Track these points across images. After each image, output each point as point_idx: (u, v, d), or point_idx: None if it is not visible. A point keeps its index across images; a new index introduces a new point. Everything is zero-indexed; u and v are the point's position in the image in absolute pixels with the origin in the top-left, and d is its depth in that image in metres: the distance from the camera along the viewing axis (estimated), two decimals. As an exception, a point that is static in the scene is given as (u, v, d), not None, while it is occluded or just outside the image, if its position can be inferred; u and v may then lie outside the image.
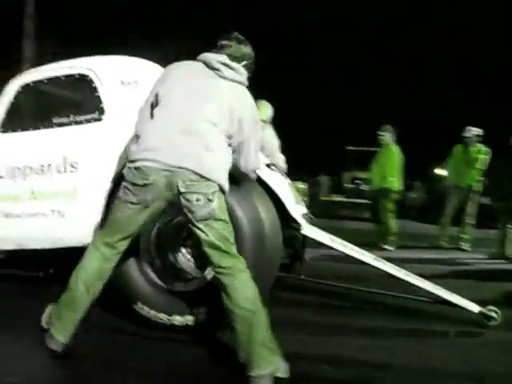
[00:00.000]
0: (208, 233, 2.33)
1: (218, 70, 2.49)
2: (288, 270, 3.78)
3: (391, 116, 9.74)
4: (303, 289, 4.16)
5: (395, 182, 7.27)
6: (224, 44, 2.60)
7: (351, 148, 16.48)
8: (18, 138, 3.54)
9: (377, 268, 3.45)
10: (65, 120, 3.35)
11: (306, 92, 24.00)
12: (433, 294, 3.44)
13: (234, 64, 2.53)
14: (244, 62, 2.62)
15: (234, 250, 2.40)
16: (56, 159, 3.26)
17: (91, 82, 3.33)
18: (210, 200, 2.31)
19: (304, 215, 3.40)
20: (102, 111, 3.26)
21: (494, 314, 3.42)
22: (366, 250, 3.57)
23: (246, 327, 2.29)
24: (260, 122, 2.63)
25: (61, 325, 2.44)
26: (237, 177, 2.67)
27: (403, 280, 3.44)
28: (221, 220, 2.36)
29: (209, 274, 2.77)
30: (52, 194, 3.27)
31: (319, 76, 23.93)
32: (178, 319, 2.81)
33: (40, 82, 3.59)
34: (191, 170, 2.30)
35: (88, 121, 3.30)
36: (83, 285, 2.43)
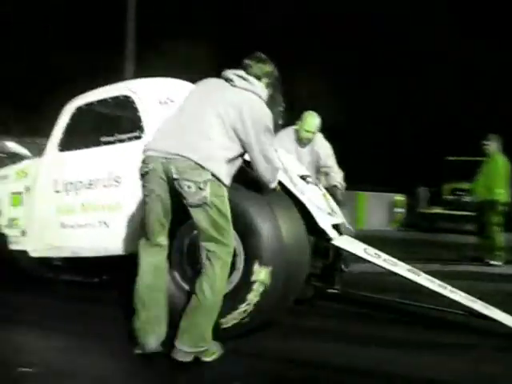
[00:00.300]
0: (199, 217, 2.54)
1: (231, 80, 2.75)
2: (324, 280, 3.85)
3: (495, 124, 9.41)
4: (338, 299, 4.14)
5: (502, 194, 7.02)
6: (246, 63, 2.85)
7: (451, 158, 16.08)
8: (72, 155, 3.93)
9: (409, 280, 3.38)
10: (110, 139, 3.68)
11: (406, 102, 23.49)
12: (467, 307, 3.31)
13: (247, 76, 2.77)
14: (265, 80, 2.86)
15: (223, 237, 2.56)
16: (102, 175, 3.59)
17: (133, 102, 3.64)
18: (200, 188, 2.48)
19: (338, 226, 3.47)
20: (142, 130, 3.53)
21: None
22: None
23: (194, 306, 2.57)
24: (269, 131, 2.76)
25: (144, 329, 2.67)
26: (259, 188, 2.87)
27: (435, 292, 3.35)
28: (215, 207, 2.53)
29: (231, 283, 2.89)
30: (99, 207, 3.61)
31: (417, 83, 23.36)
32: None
33: (90, 104, 3.99)
34: (185, 157, 2.49)
35: (130, 139, 3.59)
36: (146, 285, 2.67)
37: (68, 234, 3.83)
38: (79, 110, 4.02)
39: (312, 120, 4.93)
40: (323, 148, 5.04)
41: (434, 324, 3.62)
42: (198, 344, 2.57)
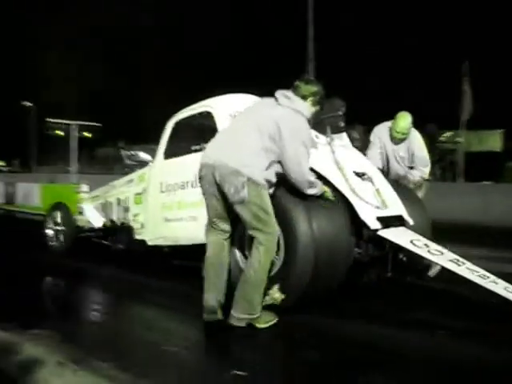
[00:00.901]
0: (241, 212, 3.17)
1: (277, 98, 3.34)
2: (380, 267, 4.15)
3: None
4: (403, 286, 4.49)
5: None
6: (295, 84, 3.41)
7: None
8: (172, 162, 4.87)
9: (449, 270, 3.54)
10: (197, 147, 4.46)
11: None
12: (505, 298, 3.34)
13: (291, 95, 3.34)
14: (311, 98, 3.40)
15: (264, 227, 3.15)
16: (191, 177, 4.39)
17: (212, 117, 4.44)
18: (239, 189, 3.08)
19: (386, 218, 3.83)
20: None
21: None
22: None
23: (243, 280, 3.22)
24: (305, 145, 3.26)
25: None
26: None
27: (474, 282, 3.45)
28: (254, 203, 3.12)
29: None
30: (188, 204, 4.45)
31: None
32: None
33: (185, 119, 4.92)
34: (225, 164, 3.12)
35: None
36: (210, 262, 3.35)
37: (170, 226, 4.79)
38: (177, 123, 4.97)
39: (402, 122, 5.12)
40: (417, 145, 5.27)
41: (476, 312, 3.71)
42: (248, 312, 3.20)
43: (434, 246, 3.78)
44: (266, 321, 3.28)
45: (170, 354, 2.96)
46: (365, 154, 5.02)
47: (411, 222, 4.07)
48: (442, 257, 3.66)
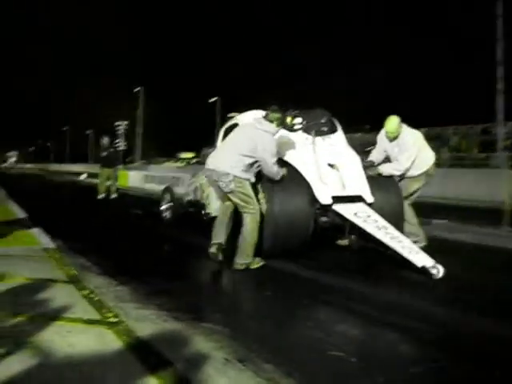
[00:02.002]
0: (233, 198, 5.17)
1: (254, 123, 5.34)
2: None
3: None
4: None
5: None
6: (266, 113, 5.37)
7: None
8: None
9: (372, 236, 5.12)
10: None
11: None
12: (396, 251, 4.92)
13: (262, 120, 5.30)
14: (276, 122, 5.26)
15: (249, 205, 5.06)
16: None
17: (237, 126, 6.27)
18: (227, 184, 5.06)
19: (341, 197, 5.48)
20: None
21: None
22: None
23: (242, 238, 5.06)
24: (272, 153, 5.14)
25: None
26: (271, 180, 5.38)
27: (386, 243, 5.01)
28: (239, 192, 5.07)
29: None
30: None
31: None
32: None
33: (227, 127, 6.88)
34: (218, 168, 5.13)
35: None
36: (219, 219, 5.52)
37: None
38: (225, 130, 6.85)
39: (390, 124, 6.23)
40: (402, 144, 6.21)
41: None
42: (244, 258, 5.05)
43: (375, 217, 5.27)
44: (257, 263, 5.15)
45: (333, 360, 2.98)
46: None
47: (370, 200, 5.55)
48: (371, 224, 5.15)
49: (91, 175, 28.57)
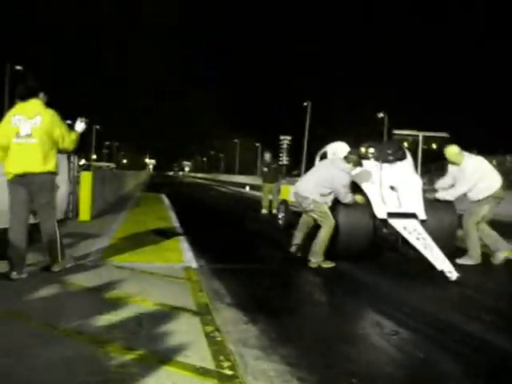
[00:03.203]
0: (312, 214, 6.41)
1: (335, 160, 6.70)
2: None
3: None
4: None
5: None
6: (346, 155, 6.60)
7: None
8: None
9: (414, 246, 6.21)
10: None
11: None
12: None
13: (341, 160, 6.53)
14: (352, 163, 6.45)
15: (325, 219, 6.26)
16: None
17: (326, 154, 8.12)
18: (308, 205, 6.35)
19: (396, 213, 6.66)
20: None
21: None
22: None
23: (318, 241, 6.22)
24: (345, 186, 6.37)
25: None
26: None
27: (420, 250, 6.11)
28: (316, 211, 6.32)
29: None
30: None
31: None
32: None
33: (323, 153, 8.42)
34: (299, 192, 6.50)
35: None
36: (301, 224, 6.94)
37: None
38: (321, 155, 8.48)
39: (448, 152, 7.11)
40: (463, 170, 6.93)
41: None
42: (317, 258, 6.20)
43: (420, 231, 6.34)
44: (329, 265, 6.19)
45: None
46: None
47: (422, 217, 6.67)
48: (414, 236, 6.24)
49: (252, 187, 29.36)
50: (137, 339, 3.16)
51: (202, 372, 2.73)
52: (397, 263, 6.86)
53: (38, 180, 4.68)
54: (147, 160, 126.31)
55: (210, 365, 2.83)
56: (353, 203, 6.47)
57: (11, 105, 5.30)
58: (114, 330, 3.31)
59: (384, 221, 6.68)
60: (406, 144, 13.02)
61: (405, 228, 6.36)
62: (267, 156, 14.69)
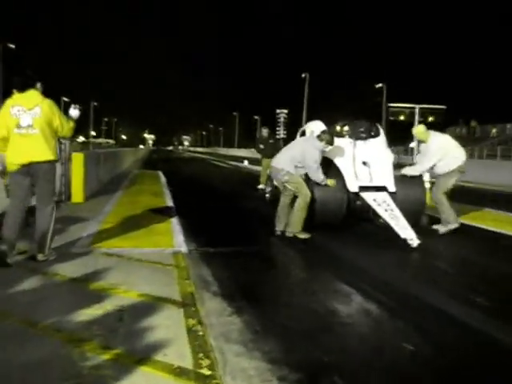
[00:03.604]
0: (287, 185, 6.88)
1: (308, 139, 7.44)
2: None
3: None
4: None
5: None
6: (318, 134, 7.08)
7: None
8: None
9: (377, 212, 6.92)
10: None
11: None
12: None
13: (315, 138, 7.01)
14: (324, 141, 6.87)
15: (300, 189, 6.74)
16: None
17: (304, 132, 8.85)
18: (282, 176, 6.87)
19: (368, 186, 7.27)
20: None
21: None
22: None
23: (293, 213, 6.76)
24: (315, 161, 6.86)
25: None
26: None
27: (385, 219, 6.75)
28: (291, 181, 6.81)
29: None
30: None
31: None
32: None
33: (302, 130, 9.31)
34: (275, 165, 7.08)
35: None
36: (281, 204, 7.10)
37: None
38: (301, 132, 9.31)
39: (415, 130, 7.86)
40: (428, 146, 7.63)
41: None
42: (293, 229, 6.74)
43: (389, 202, 6.89)
44: (305, 235, 6.71)
45: None
46: None
47: (392, 189, 7.25)
48: (382, 207, 6.79)
49: (251, 161, 29.20)
50: (115, 337, 3.08)
51: (179, 372, 2.65)
52: (367, 233, 7.44)
53: (41, 168, 4.82)
54: (146, 135, 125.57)
55: (188, 364, 2.76)
56: (323, 185, 6.94)
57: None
58: (93, 327, 3.24)
59: (356, 194, 7.23)
60: (402, 117, 12.77)
61: (374, 200, 6.94)
62: (264, 131, 14.47)
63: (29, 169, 4.78)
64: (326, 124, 8.17)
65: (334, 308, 4.01)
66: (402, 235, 6.28)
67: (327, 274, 5.15)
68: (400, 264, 5.67)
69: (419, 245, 6.10)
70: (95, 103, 68.79)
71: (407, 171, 7.58)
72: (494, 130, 43.84)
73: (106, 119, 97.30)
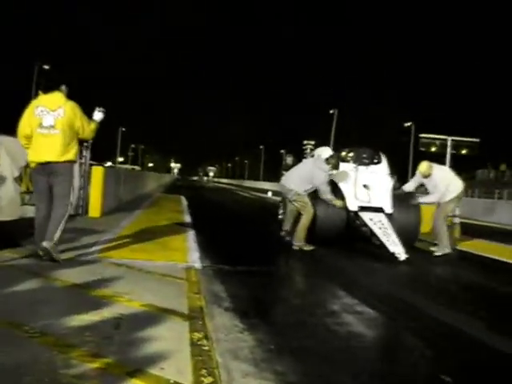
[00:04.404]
0: (294, 203, 7.79)
1: (316, 161, 8.09)
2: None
3: None
4: None
5: None
6: (327, 158, 8.00)
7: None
8: None
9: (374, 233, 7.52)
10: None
11: None
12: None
13: (322, 162, 7.90)
14: (331, 165, 7.85)
15: (305, 208, 7.58)
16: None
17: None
18: (292, 196, 7.74)
19: (367, 207, 7.92)
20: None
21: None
22: None
23: (299, 227, 7.56)
24: (324, 183, 7.67)
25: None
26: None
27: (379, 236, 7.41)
28: (298, 200, 7.68)
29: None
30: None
31: None
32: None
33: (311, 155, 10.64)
34: (284, 185, 8.01)
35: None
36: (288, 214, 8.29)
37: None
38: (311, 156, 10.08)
39: (422, 168, 8.41)
40: (434, 179, 8.37)
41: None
42: (299, 243, 7.48)
43: (384, 222, 7.58)
44: (309, 248, 7.43)
45: None
46: None
47: (388, 211, 7.93)
48: (377, 226, 7.50)
49: (275, 193, 28.88)
50: (108, 344, 2.69)
51: (175, 389, 2.25)
52: (363, 249, 8.09)
53: (58, 169, 4.90)
54: (172, 164, 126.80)
55: (186, 380, 2.34)
56: (330, 202, 7.74)
57: None
58: (85, 332, 2.85)
59: (355, 213, 7.98)
60: (433, 148, 12.32)
61: (371, 219, 7.66)
62: (289, 159, 14.21)
63: (46, 168, 4.87)
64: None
65: (355, 329, 3.55)
66: (391, 249, 7.02)
67: (345, 293, 4.72)
68: (390, 275, 6.36)
69: (411, 261, 6.84)
70: (123, 129, 69.64)
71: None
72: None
73: (133, 145, 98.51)
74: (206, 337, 3.00)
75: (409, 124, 45.89)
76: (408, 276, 6.45)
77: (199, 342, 2.89)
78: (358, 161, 8.66)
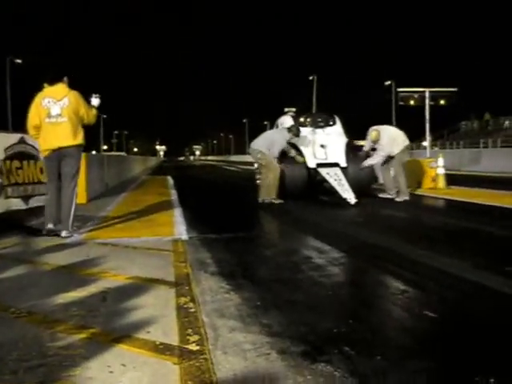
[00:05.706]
0: (261, 162, 9.21)
1: (280, 130, 10.05)
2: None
3: None
4: None
5: None
6: (289, 126, 9.68)
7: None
8: None
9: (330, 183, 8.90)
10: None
11: None
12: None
13: (285, 130, 9.55)
14: (292, 133, 9.29)
15: (271, 166, 8.86)
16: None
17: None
18: (257, 155, 9.20)
19: (324, 163, 9.31)
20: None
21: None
22: None
23: (268, 184, 8.86)
24: (281, 145, 9.22)
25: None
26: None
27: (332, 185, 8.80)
28: (262, 158, 9.09)
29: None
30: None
31: None
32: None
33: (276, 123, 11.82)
34: (252, 147, 9.45)
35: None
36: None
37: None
38: (275, 124, 11.63)
39: (372, 136, 9.35)
40: (380, 142, 9.33)
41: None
42: (270, 196, 8.80)
43: (339, 175, 8.87)
44: (277, 201, 8.73)
45: None
46: None
47: (343, 165, 9.25)
48: (333, 178, 8.78)
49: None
50: (94, 316, 2.72)
51: (162, 349, 2.28)
52: (322, 200, 9.45)
53: (69, 152, 5.37)
54: (157, 146, 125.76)
55: (173, 340, 2.38)
56: (293, 158, 9.28)
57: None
58: (71, 308, 2.88)
59: (315, 170, 9.24)
60: (412, 102, 12.31)
61: (328, 173, 8.94)
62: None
63: (59, 153, 5.35)
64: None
65: (341, 280, 3.61)
66: (343, 196, 8.34)
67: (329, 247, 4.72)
68: (343, 216, 7.61)
69: (361, 204, 8.20)
70: (104, 116, 68.75)
71: (365, 163, 9.28)
72: (506, 122, 43.01)
73: (116, 132, 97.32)
74: (193, 300, 3.03)
75: (389, 82, 45.77)
76: (377, 220, 7.16)
77: (185, 306, 2.93)
78: (315, 124, 10.13)
